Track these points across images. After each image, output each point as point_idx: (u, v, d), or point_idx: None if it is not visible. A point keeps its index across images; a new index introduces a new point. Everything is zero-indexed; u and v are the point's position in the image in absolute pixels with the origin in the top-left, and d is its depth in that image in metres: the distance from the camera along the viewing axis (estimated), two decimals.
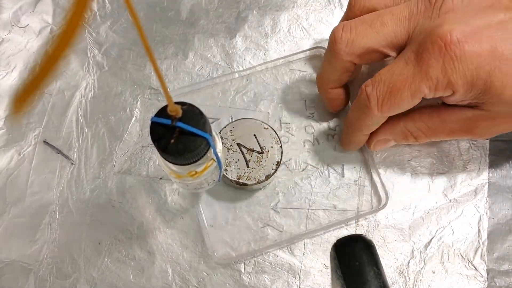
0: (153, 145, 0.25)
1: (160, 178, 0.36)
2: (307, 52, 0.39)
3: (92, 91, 0.39)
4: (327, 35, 0.40)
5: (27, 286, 0.34)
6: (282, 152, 0.35)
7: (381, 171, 0.36)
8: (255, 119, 0.35)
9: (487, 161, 0.37)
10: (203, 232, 0.35)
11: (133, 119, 0.38)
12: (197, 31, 0.41)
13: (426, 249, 0.35)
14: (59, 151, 0.37)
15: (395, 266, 0.35)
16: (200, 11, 0.41)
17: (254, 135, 0.35)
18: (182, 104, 0.24)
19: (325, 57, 0.34)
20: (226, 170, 0.34)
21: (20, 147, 0.37)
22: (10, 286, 0.34)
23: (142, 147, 0.37)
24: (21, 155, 0.37)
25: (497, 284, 0.34)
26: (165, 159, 0.26)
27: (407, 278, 0.34)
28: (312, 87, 0.39)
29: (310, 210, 0.36)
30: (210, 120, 0.25)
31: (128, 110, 0.38)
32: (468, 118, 0.30)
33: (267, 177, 0.34)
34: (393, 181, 0.36)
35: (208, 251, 0.34)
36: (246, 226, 0.35)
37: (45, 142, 0.37)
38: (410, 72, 0.28)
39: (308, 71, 0.39)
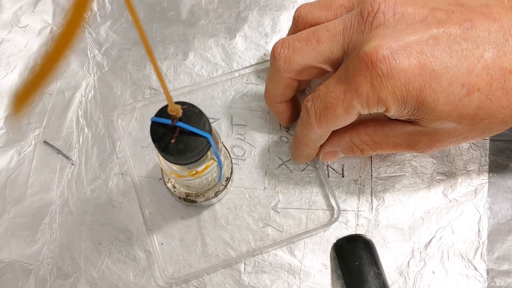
0: (153, 145, 0.25)
1: (160, 178, 0.36)
2: None
3: (92, 91, 0.39)
4: None
5: (27, 286, 0.34)
6: (232, 167, 0.34)
7: (381, 170, 0.37)
8: None
9: (487, 161, 0.37)
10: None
11: (133, 119, 0.38)
12: (197, 31, 0.41)
13: (426, 249, 0.35)
14: (59, 151, 0.37)
15: (395, 266, 0.35)
16: (200, 11, 0.41)
17: None
18: (182, 104, 0.24)
19: (268, 72, 0.33)
20: (174, 187, 0.34)
21: (20, 147, 0.37)
22: (10, 286, 0.34)
23: (142, 147, 0.37)
24: (21, 155, 0.37)
25: (497, 284, 0.34)
26: (165, 159, 0.26)
27: (407, 278, 0.34)
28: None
29: (310, 210, 0.36)
30: (210, 120, 0.26)
31: (128, 110, 0.38)
32: (409, 133, 0.30)
33: (216, 193, 0.34)
34: (394, 180, 0.36)
35: (160, 269, 0.34)
36: (246, 226, 0.35)
37: (45, 142, 0.37)
38: (342, 89, 0.28)
39: None
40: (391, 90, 0.26)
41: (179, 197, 0.34)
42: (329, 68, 0.31)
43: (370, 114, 0.29)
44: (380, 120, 0.31)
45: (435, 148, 0.31)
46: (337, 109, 0.28)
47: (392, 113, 0.28)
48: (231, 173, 0.34)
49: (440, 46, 0.26)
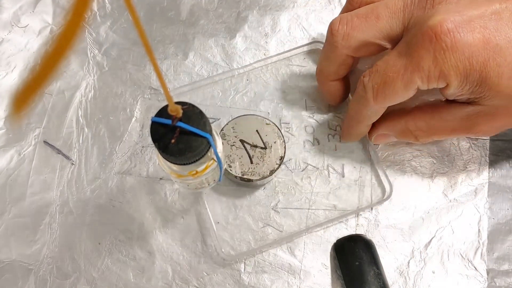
0: (153, 145, 0.25)
1: (160, 178, 0.36)
2: (305, 47, 0.39)
3: (92, 91, 0.39)
4: None
5: (27, 286, 0.34)
6: (285, 147, 0.35)
7: (381, 170, 0.37)
8: (256, 115, 0.35)
9: (487, 161, 0.37)
10: (209, 229, 0.35)
11: (133, 119, 0.38)
12: (197, 31, 0.41)
13: (426, 249, 0.35)
14: (59, 151, 0.37)
15: (395, 266, 0.35)
16: (200, 11, 0.41)
17: (257, 131, 0.35)
18: (182, 104, 0.24)
19: (323, 49, 0.34)
20: (230, 166, 0.34)
21: (20, 147, 0.37)
22: (10, 286, 0.34)
23: (142, 147, 0.37)
24: (21, 155, 0.37)
25: (497, 284, 0.34)
26: (165, 159, 0.26)
27: (407, 278, 0.34)
28: (312, 83, 0.39)
29: (310, 210, 0.36)
30: (210, 120, 0.26)
31: (128, 110, 0.38)
32: (469, 115, 0.30)
33: (271, 172, 0.34)
34: (393, 181, 0.36)
35: (215, 248, 0.35)
36: (246, 226, 0.35)
37: (45, 142, 0.37)
38: (402, 63, 0.28)
39: (307, 66, 0.39)
40: (454, 64, 0.26)
41: (235, 176, 0.34)
42: (388, 45, 0.31)
43: (432, 98, 0.29)
44: (437, 105, 0.31)
45: (493, 129, 0.31)
46: (396, 83, 0.28)
47: (452, 90, 0.28)
48: (284, 152, 0.35)
49: (503, 21, 0.27)
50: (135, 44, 0.40)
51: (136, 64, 0.40)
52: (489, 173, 0.37)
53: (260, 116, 0.35)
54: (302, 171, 0.37)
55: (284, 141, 0.35)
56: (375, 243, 0.34)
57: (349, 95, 0.37)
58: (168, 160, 0.26)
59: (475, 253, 0.35)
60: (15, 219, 0.36)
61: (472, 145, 0.37)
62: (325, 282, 0.34)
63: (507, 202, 0.36)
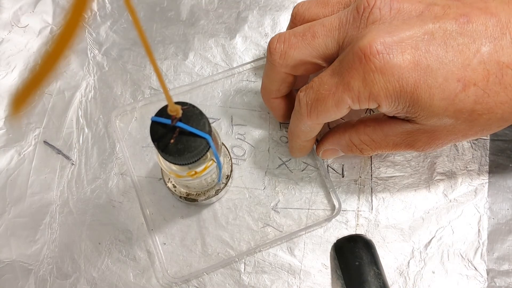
0: (153, 145, 0.25)
1: (160, 178, 0.36)
2: None
3: (92, 91, 0.39)
4: None
5: (27, 286, 0.34)
6: (232, 166, 0.34)
7: (381, 170, 0.37)
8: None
9: (487, 161, 0.37)
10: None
11: (133, 119, 0.38)
12: (197, 31, 0.41)
13: (426, 249, 0.35)
14: (59, 151, 0.37)
15: (395, 266, 0.35)
16: (200, 11, 0.41)
17: None
18: (182, 104, 0.24)
19: (265, 67, 0.33)
20: (175, 187, 0.34)
21: (20, 147, 0.37)
22: (10, 286, 0.34)
23: (142, 147, 0.37)
24: (21, 155, 0.37)
25: (497, 284, 0.34)
26: (164, 159, 0.26)
27: (407, 278, 0.34)
28: None
29: (310, 210, 0.36)
30: (210, 120, 0.26)
31: (128, 110, 0.38)
32: (408, 131, 0.30)
33: (217, 192, 0.34)
34: (394, 181, 0.36)
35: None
36: (246, 226, 0.35)
37: (45, 142, 0.37)
38: (334, 82, 0.28)
39: None
40: (383, 85, 0.26)
41: (180, 197, 0.34)
42: (323, 64, 0.31)
43: (368, 111, 0.29)
44: (380, 120, 0.31)
45: (434, 146, 0.30)
46: (327, 101, 0.28)
47: (385, 109, 0.28)
48: (231, 171, 0.34)
49: (436, 41, 0.26)
50: (135, 44, 0.40)
51: (136, 64, 0.40)
52: (489, 173, 0.37)
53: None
54: (302, 171, 0.37)
55: (231, 159, 0.34)
56: (375, 243, 0.34)
57: None
58: (167, 160, 0.26)
59: (475, 253, 0.35)
60: (15, 219, 0.36)
61: (472, 145, 0.37)
62: (325, 282, 0.34)
63: (507, 202, 0.36)
